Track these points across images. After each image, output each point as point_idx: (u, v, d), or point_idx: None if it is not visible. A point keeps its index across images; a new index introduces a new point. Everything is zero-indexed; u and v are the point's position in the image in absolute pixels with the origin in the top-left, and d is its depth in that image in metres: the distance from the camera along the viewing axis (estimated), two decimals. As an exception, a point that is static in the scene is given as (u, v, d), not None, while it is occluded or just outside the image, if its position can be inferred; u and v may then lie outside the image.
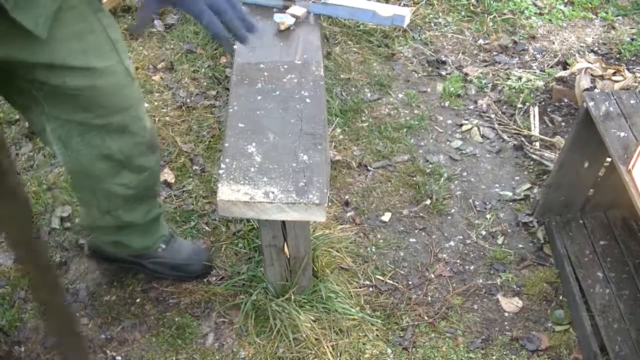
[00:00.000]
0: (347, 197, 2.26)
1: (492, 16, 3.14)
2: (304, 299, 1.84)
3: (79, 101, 1.38)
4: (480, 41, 3.03)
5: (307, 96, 1.69)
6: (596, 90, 2.56)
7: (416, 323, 1.91)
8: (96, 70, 1.35)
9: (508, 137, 2.54)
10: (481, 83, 2.79)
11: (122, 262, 1.92)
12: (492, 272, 2.06)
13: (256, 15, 2.03)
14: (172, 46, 2.87)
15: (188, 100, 2.59)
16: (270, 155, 1.54)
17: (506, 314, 1.95)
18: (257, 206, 1.45)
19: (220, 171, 1.50)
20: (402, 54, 2.92)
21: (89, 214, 1.74)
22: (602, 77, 2.69)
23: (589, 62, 2.76)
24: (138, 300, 1.92)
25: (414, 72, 2.84)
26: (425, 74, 2.84)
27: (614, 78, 2.68)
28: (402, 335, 1.88)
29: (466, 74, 2.83)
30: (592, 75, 2.69)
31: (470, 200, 2.29)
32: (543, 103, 2.70)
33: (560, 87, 2.73)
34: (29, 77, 1.32)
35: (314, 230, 2.01)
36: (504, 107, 2.69)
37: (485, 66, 2.89)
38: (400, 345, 1.85)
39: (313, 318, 1.83)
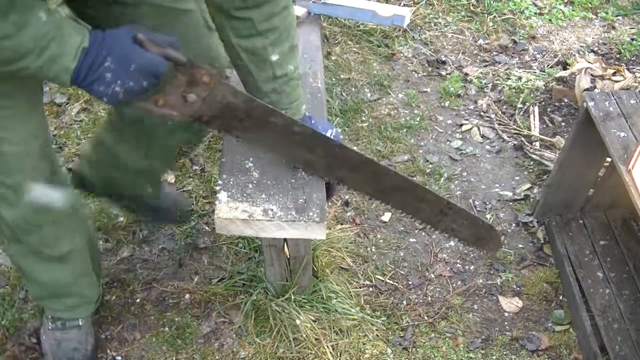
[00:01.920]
0: (347, 197, 2.25)
1: (492, 16, 3.14)
2: (304, 299, 1.84)
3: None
4: (480, 41, 3.03)
5: (305, 109, 1.67)
6: (596, 90, 2.57)
7: (416, 323, 1.91)
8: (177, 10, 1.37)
9: (508, 137, 2.54)
10: (481, 83, 2.79)
11: (107, 195, 1.88)
12: (492, 272, 2.06)
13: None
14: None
15: (188, 100, 2.59)
16: (268, 170, 1.51)
17: (506, 314, 1.95)
18: (255, 224, 1.43)
19: (218, 187, 1.49)
20: (402, 54, 2.92)
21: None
22: (602, 77, 2.69)
23: (589, 62, 2.76)
24: (138, 300, 1.92)
25: (414, 72, 2.84)
26: (425, 74, 2.84)
27: (614, 78, 2.68)
28: (402, 335, 1.88)
29: (466, 74, 2.83)
30: (592, 75, 2.69)
31: (470, 200, 2.29)
32: (543, 103, 2.70)
33: (560, 87, 2.73)
34: None
35: (314, 230, 2.00)
36: (504, 107, 2.69)
37: (485, 66, 2.89)
38: (400, 345, 1.85)
39: (313, 318, 1.83)
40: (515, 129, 2.57)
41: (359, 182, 1.49)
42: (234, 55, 1.35)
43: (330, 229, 2.08)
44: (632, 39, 3.05)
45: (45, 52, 1.06)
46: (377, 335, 1.86)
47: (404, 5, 3.17)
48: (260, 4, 1.25)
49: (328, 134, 1.47)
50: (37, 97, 1.40)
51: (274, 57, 1.33)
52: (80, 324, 1.72)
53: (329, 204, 1.88)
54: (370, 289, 1.99)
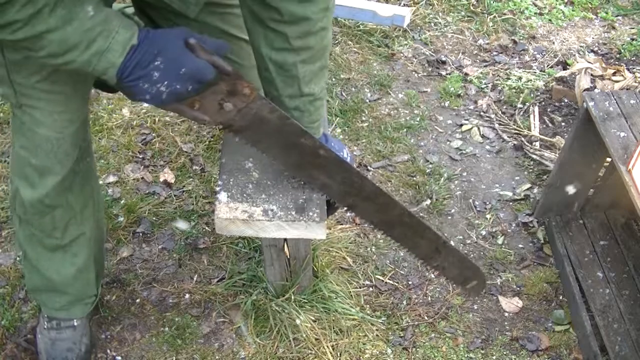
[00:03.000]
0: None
1: (492, 16, 3.14)
2: (304, 299, 1.84)
3: None
4: (480, 41, 3.03)
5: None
6: (596, 90, 2.57)
7: (416, 323, 1.91)
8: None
9: (508, 137, 2.54)
10: (481, 83, 2.79)
11: None
12: (492, 272, 2.06)
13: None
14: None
15: (188, 100, 2.59)
16: (268, 170, 1.51)
17: (506, 314, 1.95)
18: (255, 224, 1.43)
19: (218, 188, 1.49)
20: (402, 54, 2.92)
21: None
22: (602, 77, 2.69)
23: (589, 62, 2.76)
24: (138, 300, 1.92)
25: (414, 72, 2.84)
26: (425, 74, 2.84)
27: (614, 78, 2.68)
28: (402, 335, 1.88)
29: (466, 74, 2.83)
30: (592, 75, 2.69)
31: (470, 200, 2.29)
32: (543, 103, 2.70)
33: (560, 87, 2.73)
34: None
35: (314, 230, 2.00)
36: (504, 107, 2.69)
37: (485, 66, 2.89)
38: (400, 345, 1.85)
39: (313, 318, 1.83)
40: (515, 129, 2.57)
41: (368, 212, 1.51)
42: (261, 66, 1.34)
43: (330, 229, 2.08)
44: (632, 39, 3.05)
45: (92, 47, 1.06)
46: (377, 335, 1.86)
47: (404, 5, 3.17)
48: (297, 20, 1.23)
49: (343, 154, 1.48)
50: (86, 85, 1.41)
51: (303, 75, 1.31)
52: (76, 324, 1.73)
53: (329, 218, 1.89)
54: (370, 289, 1.99)
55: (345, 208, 1.51)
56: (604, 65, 2.74)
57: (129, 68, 1.09)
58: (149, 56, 1.09)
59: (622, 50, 2.98)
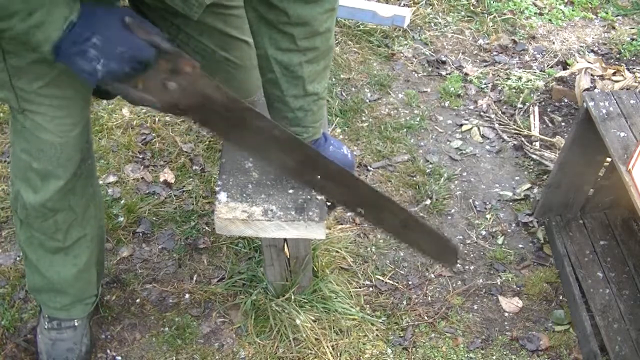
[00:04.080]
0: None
1: (492, 16, 3.14)
2: (304, 299, 1.84)
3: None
4: (480, 41, 3.03)
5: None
6: (596, 90, 2.57)
7: (416, 323, 1.91)
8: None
9: (508, 137, 2.54)
10: (481, 83, 2.79)
11: None
12: (492, 272, 2.06)
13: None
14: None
15: (188, 100, 2.59)
16: (268, 170, 1.51)
17: (506, 314, 1.95)
18: (255, 224, 1.43)
19: (218, 188, 1.49)
20: (402, 54, 2.92)
21: None
22: (602, 77, 2.69)
23: (589, 62, 2.76)
24: (138, 300, 1.92)
25: (414, 72, 2.84)
26: (425, 74, 2.84)
27: (614, 78, 2.68)
28: (402, 335, 1.88)
29: (466, 74, 2.83)
30: (592, 75, 2.69)
31: (470, 200, 2.29)
32: (543, 103, 2.70)
33: (560, 87, 2.73)
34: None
35: (314, 230, 2.00)
36: (504, 107, 2.69)
37: (485, 66, 2.89)
38: (400, 345, 1.85)
39: (313, 318, 1.83)
40: (515, 129, 2.57)
41: (329, 188, 1.48)
42: (266, 67, 1.34)
43: (330, 229, 2.08)
44: (632, 39, 3.05)
45: (32, 17, 1.05)
46: (377, 335, 1.86)
47: (404, 5, 3.17)
48: (304, 21, 1.23)
49: (342, 151, 1.48)
50: (87, 89, 1.40)
51: (308, 75, 1.32)
52: (76, 324, 1.73)
53: (329, 217, 1.89)
54: (370, 289, 1.99)
55: (306, 185, 1.49)
56: (604, 65, 2.74)
57: (65, 44, 1.08)
58: (86, 33, 1.08)
59: (622, 50, 2.98)
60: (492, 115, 2.63)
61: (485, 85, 2.78)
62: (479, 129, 2.57)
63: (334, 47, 1.38)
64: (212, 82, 1.24)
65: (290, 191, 1.47)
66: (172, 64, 1.17)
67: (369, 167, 2.37)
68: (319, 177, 1.45)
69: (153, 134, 2.41)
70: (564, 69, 2.87)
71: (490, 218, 2.23)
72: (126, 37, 1.11)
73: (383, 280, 2.01)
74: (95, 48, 1.08)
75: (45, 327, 1.73)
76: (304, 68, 1.31)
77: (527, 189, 2.33)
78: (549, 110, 2.67)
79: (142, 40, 1.12)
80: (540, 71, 2.86)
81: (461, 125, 2.60)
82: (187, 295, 1.93)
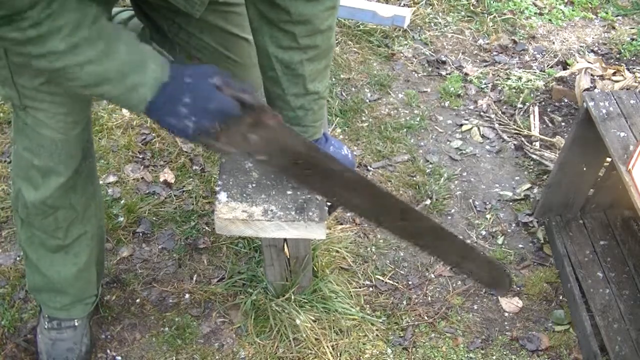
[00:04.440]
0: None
1: (492, 16, 3.14)
2: (304, 299, 1.84)
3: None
4: (480, 41, 3.03)
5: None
6: (596, 90, 2.57)
7: (416, 323, 1.91)
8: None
9: (508, 137, 2.54)
10: (481, 83, 2.79)
11: None
12: (492, 272, 2.06)
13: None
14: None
15: (188, 100, 2.59)
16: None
17: (506, 314, 1.95)
18: (255, 224, 1.43)
19: (218, 188, 1.49)
20: (402, 54, 2.92)
21: None
22: (602, 77, 2.69)
23: (589, 62, 2.76)
24: (138, 300, 1.92)
25: (414, 72, 2.84)
26: (425, 74, 2.84)
27: (614, 78, 2.68)
28: (402, 335, 1.88)
29: (466, 74, 2.83)
30: (592, 75, 2.69)
31: (470, 200, 2.29)
32: (543, 103, 2.70)
33: (560, 87, 2.73)
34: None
35: (314, 230, 2.00)
36: (504, 107, 2.69)
37: (485, 66, 2.89)
38: (400, 345, 1.85)
39: (313, 318, 1.83)
40: (515, 129, 2.57)
41: (396, 226, 1.53)
42: (267, 65, 1.34)
43: (330, 229, 2.08)
44: (632, 39, 3.05)
45: (126, 82, 1.09)
46: (377, 335, 1.86)
47: (404, 5, 3.17)
48: (305, 20, 1.24)
49: (343, 152, 1.50)
50: None
51: (309, 74, 1.32)
52: (76, 324, 1.73)
53: (330, 218, 1.90)
54: (370, 289, 1.99)
55: (375, 224, 1.54)
56: (604, 65, 2.74)
57: (158, 104, 1.12)
58: (177, 93, 1.12)
59: (622, 50, 2.98)
60: (492, 115, 2.63)
61: (485, 85, 2.78)
62: (479, 129, 2.57)
63: (334, 46, 1.38)
64: (292, 132, 1.29)
65: (290, 191, 1.47)
66: (255, 117, 1.21)
67: (369, 167, 2.37)
68: (388, 215, 1.49)
69: (153, 134, 2.41)
70: (564, 69, 2.87)
71: (490, 218, 2.23)
72: (215, 95, 1.14)
73: (383, 280, 2.01)
74: (186, 107, 1.12)
75: (45, 327, 1.73)
76: (304, 66, 1.31)
77: (527, 189, 2.33)
78: (549, 110, 2.67)
79: (229, 96, 1.15)
80: (540, 71, 2.86)
81: (461, 125, 2.60)
82: (187, 295, 1.93)
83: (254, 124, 1.21)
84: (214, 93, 1.13)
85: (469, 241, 2.15)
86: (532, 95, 2.72)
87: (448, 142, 2.52)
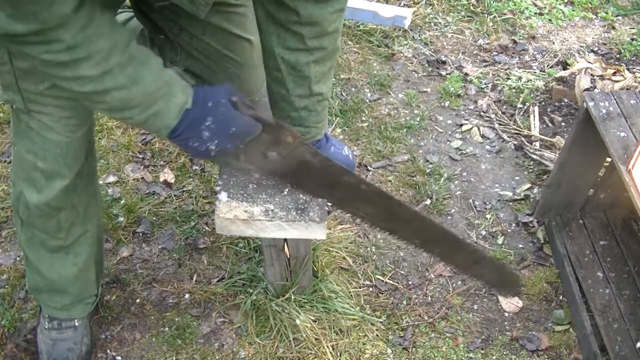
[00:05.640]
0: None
1: (492, 16, 3.14)
2: (304, 299, 1.84)
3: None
4: (480, 41, 3.03)
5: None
6: (596, 90, 2.57)
7: (416, 323, 1.91)
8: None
9: (508, 137, 2.54)
10: (481, 83, 2.79)
11: None
12: (492, 272, 2.06)
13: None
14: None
15: (188, 100, 2.59)
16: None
17: (506, 314, 1.95)
18: (255, 224, 1.43)
19: (218, 187, 1.49)
20: (402, 54, 2.92)
21: None
22: (602, 77, 2.69)
23: (589, 62, 2.76)
24: (138, 300, 1.92)
25: (414, 72, 2.84)
26: (425, 74, 2.84)
27: (614, 78, 2.68)
28: (402, 335, 1.88)
29: (466, 74, 2.83)
30: (592, 75, 2.69)
31: (470, 200, 2.29)
32: (543, 103, 2.70)
33: (560, 87, 2.73)
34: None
35: (314, 230, 2.00)
36: (504, 107, 2.69)
37: (485, 66, 2.89)
38: (400, 345, 1.85)
39: (313, 318, 1.83)
40: (515, 129, 2.57)
41: (409, 234, 1.57)
42: (272, 66, 1.34)
43: (330, 229, 2.08)
44: (632, 39, 3.05)
45: (152, 108, 1.10)
46: (377, 335, 1.86)
47: (404, 5, 3.17)
48: (314, 21, 1.24)
49: (343, 152, 1.51)
50: None
51: (314, 75, 1.33)
52: (77, 324, 1.73)
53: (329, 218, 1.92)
54: (370, 289, 1.99)
55: (390, 234, 1.57)
56: (604, 65, 2.74)
57: (180, 129, 1.13)
58: (200, 118, 1.13)
59: (622, 50, 2.98)
60: (492, 115, 2.63)
61: (485, 85, 2.78)
62: (479, 129, 2.57)
63: (340, 48, 1.39)
64: (310, 149, 1.31)
65: (291, 191, 1.47)
66: (274, 135, 1.23)
67: (369, 167, 2.37)
68: (401, 223, 1.51)
69: (153, 134, 2.41)
70: (564, 69, 2.87)
71: (490, 218, 2.23)
72: (236, 117, 1.16)
73: (383, 280, 2.01)
74: (209, 130, 1.14)
75: (46, 327, 1.73)
76: (311, 68, 1.31)
77: (527, 189, 2.33)
78: (549, 110, 2.67)
79: (248, 117, 1.17)
80: (540, 71, 2.86)
81: (461, 125, 2.60)
82: (187, 295, 1.93)
83: (273, 141, 1.23)
84: (235, 115, 1.16)
85: (468, 241, 2.15)
86: (532, 95, 2.72)
87: (448, 142, 2.52)
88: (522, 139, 2.52)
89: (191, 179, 2.27)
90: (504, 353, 1.85)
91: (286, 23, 1.25)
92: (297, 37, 1.26)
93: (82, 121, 1.39)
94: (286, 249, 1.71)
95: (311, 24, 1.24)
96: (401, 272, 2.05)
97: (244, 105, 1.17)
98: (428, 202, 2.26)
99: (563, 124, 2.60)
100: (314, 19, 1.23)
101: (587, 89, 2.60)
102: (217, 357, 1.80)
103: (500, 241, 2.15)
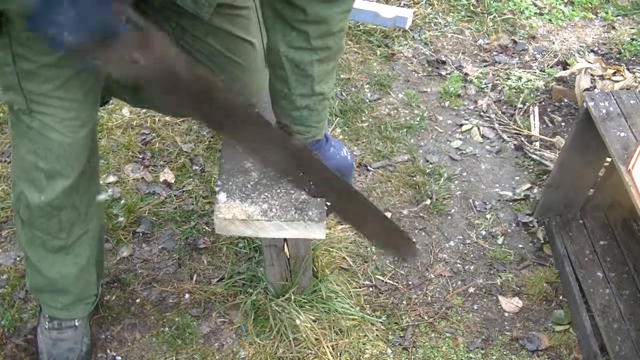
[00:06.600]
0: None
1: (492, 16, 3.14)
2: (304, 299, 1.84)
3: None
4: (480, 41, 3.03)
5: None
6: (596, 90, 2.56)
7: (416, 323, 1.91)
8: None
9: (508, 137, 2.54)
10: (481, 83, 2.79)
11: None
12: (492, 272, 2.06)
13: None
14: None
15: (188, 100, 2.59)
16: (267, 170, 1.52)
17: (506, 314, 1.95)
18: (255, 224, 1.43)
19: (217, 188, 1.49)
20: (402, 54, 2.92)
21: None
22: (602, 77, 2.69)
23: (589, 62, 2.76)
24: (138, 300, 1.92)
25: (414, 72, 2.84)
26: (425, 74, 2.84)
27: (614, 78, 2.68)
28: (402, 335, 1.88)
29: (466, 74, 2.83)
30: (592, 75, 2.69)
31: (470, 200, 2.29)
32: (543, 103, 2.70)
33: (560, 87, 2.73)
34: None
35: (314, 230, 2.00)
36: (504, 107, 2.69)
37: (485, 66, 2.89)
38: (400, 345, 1.85)
39: (313, 318, 1.83)
40: (515, 129, 2.57)
41: (293, 170, 1.50)
42: (276, 64, 1.34)
43: (330, 229, 2.08)
44: (632, 39, 3.05)
45: None
46: (377, 335, 1.86)
47: (404, 5, 3.17)
48: (321, 21, 1.24)
49: (342, 153, 1.49)
50: (93, 88, 1.40)
51: (317, 75, 1.32)
52: (77, 324, 1.73)
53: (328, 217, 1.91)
54: (370, 289, 1.99)
55: (264, 167, 1.50)
56: (604, 65, 2.74)
57: (39, 9, 1.05)
58: (59, 1, 1.05)
59: (622, 50, 2.98)
60: (492, 115, 2.63)
61: (485, 85, 2.78)
62: (479, 129, 2.57)
63: (343, 48, 1.38)
64: (181, 56, 1.22)
65: (290, 191, 1.47)
66: (142, 37, 1.15)
67: (369, 167, 2.37)
68: (280, 152, 1.43)
69: (153, 134, 2.42)
70: (564, 69, 2.87)
71: (490, 218, 2.23)
72: (100, 9, 1.08)
73: (383, 280, 2.01)
74: (65, 16, 1.05)
75: (46, 327, 1.73)
76: (314, 67, 1.31)
77: (527, 189, 2.33)
78: (549, 110, 2.67)
79: (115, 13, 1.10)
80: (540, 71, 2.86)
81: (461, 125, 2.60)
82: (187, 295, 1.93)
83: (139, 44, 1.15)
84: (96, 6, 1.07)
85: (468, 241, 2.15)
86: (532, 95, 2.72)
87: (448, 142, 2.52)
88: (522, 139, 2.52)
89: (191, 179, 2.27)
90: (504, 353, 1.85)
91: (292, 21, 1.25)
92: (303, 35, 1.26)
93: (84, 121, 1.38)
94: (286, 249, 1.71)
95: (317, 23, 1.24)
96: (401, 272, 2.05)
97: (115, 0, 1.09)
98: (428, 202, 2.26)
99: (563, 124, 2.60)
100: (321, 18, 1.23)
101: (587, 89, 2.60)
102: (217, 357, 1.80)
103: (500, 241, 2.15)
